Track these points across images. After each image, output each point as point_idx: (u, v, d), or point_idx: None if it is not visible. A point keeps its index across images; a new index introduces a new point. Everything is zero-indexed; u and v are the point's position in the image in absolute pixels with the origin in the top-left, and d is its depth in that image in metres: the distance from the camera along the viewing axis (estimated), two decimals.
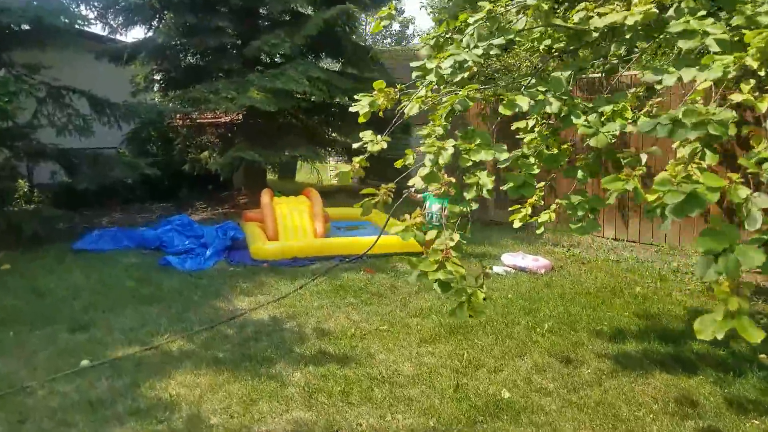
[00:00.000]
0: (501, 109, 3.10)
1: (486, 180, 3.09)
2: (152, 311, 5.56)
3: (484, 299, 3.01)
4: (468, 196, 3.17)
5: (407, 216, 3.24)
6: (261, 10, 11.70)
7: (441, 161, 3.08)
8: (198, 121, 13.53)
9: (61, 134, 8.73)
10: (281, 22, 11.64)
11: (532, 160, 3.30)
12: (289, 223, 8.32)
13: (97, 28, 13.16)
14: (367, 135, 3.48)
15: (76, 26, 8.16)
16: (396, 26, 42.04)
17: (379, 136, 3.43)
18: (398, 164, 3.62)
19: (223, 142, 12.76)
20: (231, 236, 7.92)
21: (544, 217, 4.03)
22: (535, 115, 3.56)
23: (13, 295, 6.04)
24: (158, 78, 12.42)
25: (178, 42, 11.16)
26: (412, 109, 3.42)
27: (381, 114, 3.70)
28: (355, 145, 3.67)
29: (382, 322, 5.10)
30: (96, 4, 8.93)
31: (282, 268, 6.97)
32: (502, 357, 4.33)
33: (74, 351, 4.64)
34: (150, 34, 11.62)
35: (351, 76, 11.89)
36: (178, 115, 12.83)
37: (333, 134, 13.15)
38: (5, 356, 4.56)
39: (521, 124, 3.74)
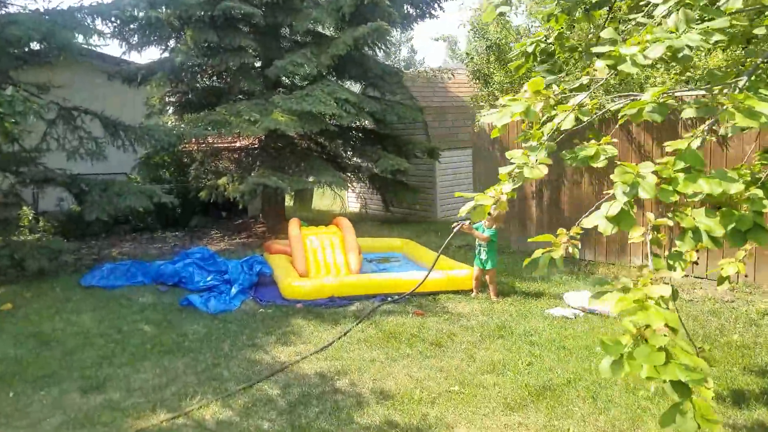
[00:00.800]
0: (740, 121, 2.25)
1: (708, 222, 2.27)
2: (177, 365, 4.76)
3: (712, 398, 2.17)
4: (682, 247, 2.36)
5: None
6: (284, 30, 11.09)
7: (641, 193, 2.28)
8: (214, 145, 12.85)
9: (71, 158, 8.02)
10: (305, 42, 11.01)
11: (760, 193, 2.45)
12: (321, 257, 7.54)
13: (112, 48, 12.55)
14: (516, 155, 2.70)
15: (91, 44, 7.51)
16: (405, 52, 41.82)
17: (533, 158, 2.64)
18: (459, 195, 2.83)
19: (239, 167, 12.04)
20: (258, 271, 7.14)
21: (730, 269, 3.16)
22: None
23: (15, 343, 5.25)
24: (173, 100, 11.77)
25: (197, 62, 10.53)
26: (566, 121, 2.65)
27: (524, 125, 2.92)
28: (503, 170, 2.82)
29: (451, 381, 4.29)
30: (113, 19, 8.27)
31: (318, 308, 6.18)
32: (612, 430, 3.50)
33: (88, 419, 3.84)
34: (166, 54, 10.99)
35: (374, 98, 11.22)
36: (192, 140, 12.16)
37: (354, 159, 12.45)
38: (2, 426, 3.75)
39: (680, 143, 2.78)
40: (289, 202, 14.85)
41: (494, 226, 6.38)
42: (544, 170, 2.58)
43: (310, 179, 10.74)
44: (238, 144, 13.34)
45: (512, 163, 2.72)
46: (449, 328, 5.40)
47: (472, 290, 6.58)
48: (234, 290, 6.74)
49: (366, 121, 11.91)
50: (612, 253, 7.89)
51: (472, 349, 4.89)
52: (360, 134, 12.43)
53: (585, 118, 2.68)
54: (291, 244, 7.65)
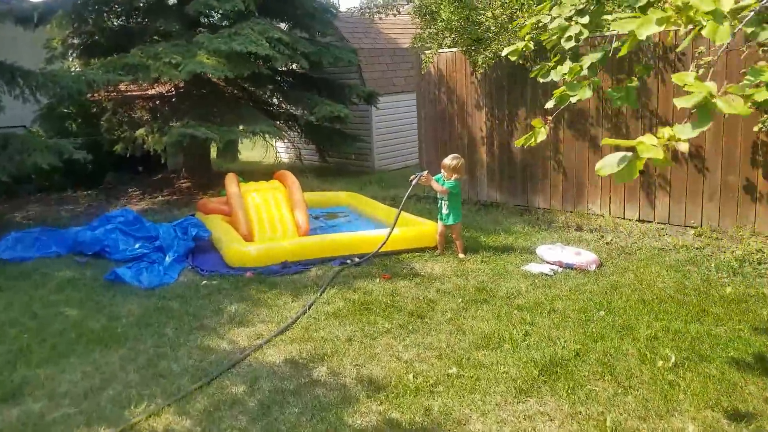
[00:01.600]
0: None
1: None
2: (112, 359, 3.85)
3: None
4: None
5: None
6: None
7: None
8: (126, 93, 11.29)
9: None
10: None
11: None
12: (265, 216, 6.64)
13: None
14: (691, 80, 1.98)
15: None
16: None
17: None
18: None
19: (158, 117, 10.65)
20: (194, 235, 6.18)
21: None
22: None
23: None
24: (77, 42, 10.11)
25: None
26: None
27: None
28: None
29: (445, 361, 3.67)
30: None
31: (271, 277, 5.36)
32: (646, 417, 3.02)
33: None
34: None
35: (306, 39, 10.11)
36: (102, 88, 10.58)
37: (286, 106, 11.35)
38: None
39: None
40: (213, 154, 13.55)
41: (454, 177, 5.74)
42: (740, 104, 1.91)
43: (241, 128, 9.62)
44: (152, 91, 11.85)
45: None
46: (425, 294, 4.77)
47: (436, 247, 5.97)
48: (168, 259, 5.78)
49: (295, 65, 10.79)
50: (568, 200, 7.51)
51: (457, 318, 4.29)
52: (291, 79, 11.31)
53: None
54: (230, 202, 6.69)
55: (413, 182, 5.73)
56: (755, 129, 5.81)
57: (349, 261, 5.70)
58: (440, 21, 7.88)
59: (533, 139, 2.95)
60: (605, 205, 7.19)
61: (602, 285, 4.83)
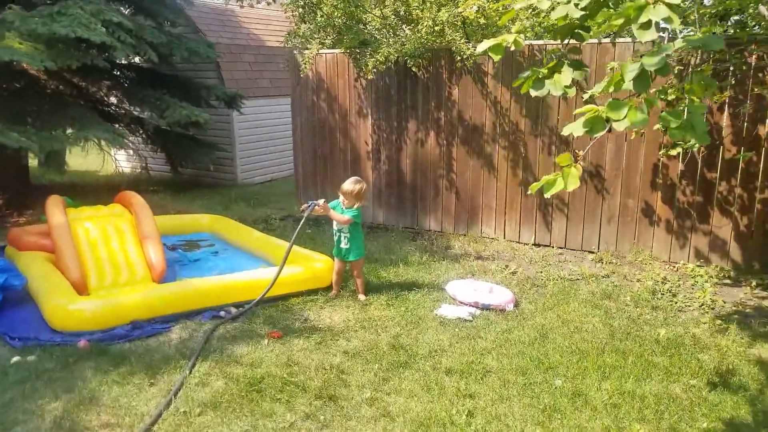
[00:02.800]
0: None
1: None
2: None
3: None
4: None
5: None
6: None
7: None
8: None
9: None
10: None
11: None
12: (104, 254, 5.14)
13: None
14: None
15: None
16: None
17: None
18: None
19: None
20: (1, 285, 4.54)
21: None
22: None
23: None
24: None
25: None
26: None
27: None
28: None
29: None
30: None
31: (118, 345, 3.98)
32: None
33: None
34: None
35: (154, 27, 8.53)
36: None
37: (129, 107, 9.58)
38: None
39: None
40: (34, 161, 11.19)
41: (356, 205, 4.80)
42: None
43: (70, 133, 7.80)
44: None
45: None
46: (330, 360, 3.74)
47: (330, 287, 4.98)
48: None
49: (138, 58, 9.12)
50: (461, 222, 6.93)
51: (379, 396, 3.34)
52: (134, 74, 9.59)
53: None
54: (54, 236, 5.09)
55: (305, 213, 4.68)
56: (660, 153, 5.60)
57: (222, 313, 4.49)
58: (320, 16, 6.87)
59: (562, 183, 2.12)
60: (500, 228, 6.70)
61: (528, 331, 4.17)
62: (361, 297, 4.82)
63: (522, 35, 2.61)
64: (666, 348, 3.88)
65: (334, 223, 4.78)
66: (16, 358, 3.77)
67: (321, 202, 4.70)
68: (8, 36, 6.58)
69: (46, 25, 6.43)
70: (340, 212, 4.79)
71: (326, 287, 4.95)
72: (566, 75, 2.39)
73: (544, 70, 2.45)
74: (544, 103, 6.17)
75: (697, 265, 5.50)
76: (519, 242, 6.54)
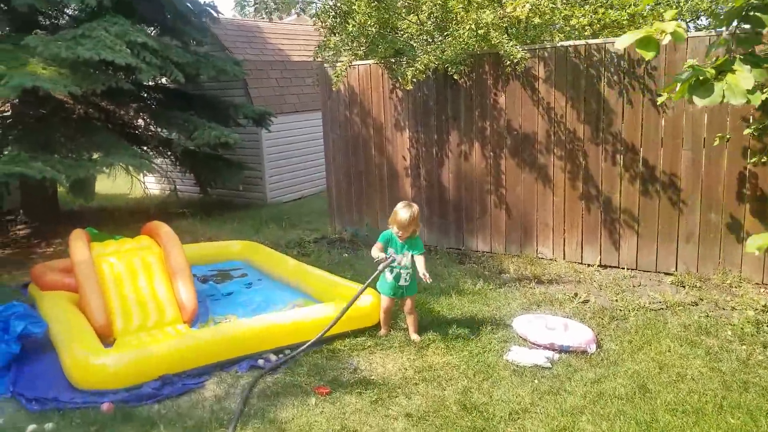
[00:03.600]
0: None
1: None
2: None
3: None
4: None
5: None
6: None
7: None
8: None
9: None
10: None
11: None
12: (131, 294, 4.63)
13: None
14: None
15: None
16: None
17: None
18: None
19: None
20: (19, 333, 4.04)
21: None
22: None
23: None
24: None
25: None
26: None
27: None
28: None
29: None
30: None
31: (145, 407, 3.43)
32: None
33: None
34: None
35: (180, 47, 8.09)
36: None
37: (157, 129, 9.16)
38: None
39: None
40: (62, 188, 10.86)
41: (408, 234, 4.17)
42: None
43: (95, 159, 7.38)
44: None
45: None
46: (391, 426, 3.11)
47: (377, 325, 4.36)
48: None
49: (165, 78, 8.70)
50: (513, 241, 6.26)
51: None
52: (161, 96, 9.18)
53: None
54: (77, 275, 4.59)
55: (381, 266, 4.03)
56: (750, 161, 4.86)
57: (261, 362, 3.91)
58: (352, 25, 6.30)
59: None
60: (558, 248, 6.00)
61: (622, 381, 3.48)
62: (415, 337, 4.19)
63: (681, 23, 1.97)
64: None
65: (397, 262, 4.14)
66: (31, 427, 3.24)
67: (404, 260, 4.03)
68: (31, 62, 6.19)
69: (70, 48, 6.02)
70: (399, 247, 4.14)
71: (373, 326, 4.33)
72: (744, 76, 1.71)
73: (710, 71, 1.79)
74: (606, 107, 5.49)
75: None
76: (582, 263, 5.84)
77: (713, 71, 1.87)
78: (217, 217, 8.73)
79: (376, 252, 4.04)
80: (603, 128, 5.55)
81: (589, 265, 5.78)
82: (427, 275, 3.99)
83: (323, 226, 7.80)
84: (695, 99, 1.90)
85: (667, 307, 4.60)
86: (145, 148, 8.87)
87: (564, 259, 5.95)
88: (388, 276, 4.14)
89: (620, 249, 5.67)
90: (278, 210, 9.35)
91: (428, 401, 3.33)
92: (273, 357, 3.97)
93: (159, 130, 8.95)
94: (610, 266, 5.72)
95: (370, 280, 4.02)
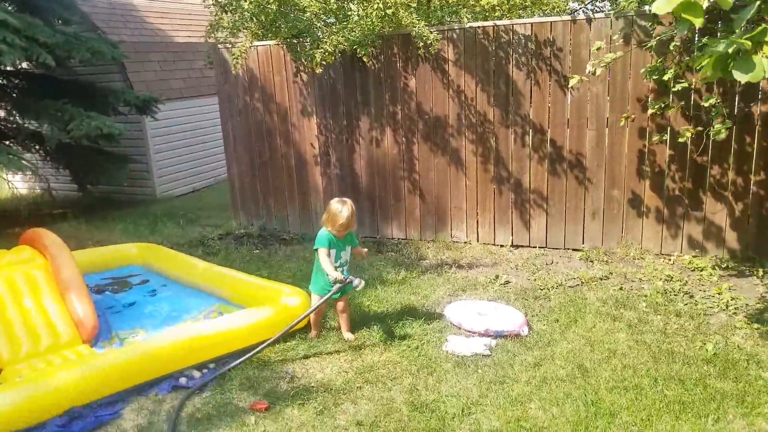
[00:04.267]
0: None
1: None
2: None
3: None
4: None
5: None
6: None
7: None
8: None
9: None
10: None
11: None
12: (15, 317, 3.98)
13: None
14: None
15: None
16: None
17: None
18: None
19: None
20: None
21: None
22: None
23: None
24: None
25: None
26: None
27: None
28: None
29: None
30: None
31: None
32: None
33: None
34: None
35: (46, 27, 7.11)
36: None
37: (23, 120, 8.07)
38: None
39: None
40: None
41: (347, 232, 3.94)
42: None
43: None
44: None
45: None
46: None
47: (308, 329, 4.10)
48: None
49: (26, 63, 7.69)
50: (428, 227, 6.23)
51: None
52: (23, 82, 8.09)
53: None
54: None
55: (336, 287, 3.71)
56: (653, 140, 5.14)
57: (183, 380, 3.52)
58: (249, 2, 5.82)
59: None
60: (472, 231, 6.06)
61: (560, 363, 3.54)
62: (349, 336, 3.99)
63: None
64: (723, 369, 3.36)
65: (333, 257, 3.86)
66: None
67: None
68: None
69: None
70: (341, 246, 3.88)
71: (300, 329, 4.07)
72: None
73: (745, 42, 1.70)
74: (514, 89, 5.56)
75: (693, 256, 5.12)
76: (495, 244, 5.94)
77: (749, 43, 1.81)
78: (102, 217, 7.90)
79: (331, 270, 3.73)
80: (512, 110, 5.63)
81: (501, 245, 5.88)
82: (365, 250, 4.04)
83: (225, 221, 7.31)
84: (736, 74, 1.83)
85: (582, 283, 4.78)
86: (7, 142, 7.78)
87: (478, 241, 6.01)
88: (329, 275, 3.86)
89: (531, 228, 5.82)
90: (171, 205, 8.67)
91: (376, 405, 3.15)
92: (197, 374, 3.59)
93: (25, 121, 7.88)
94: (522, 246, 5.86)
95: (320, 302, 3.76)
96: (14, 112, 7.75)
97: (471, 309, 4.16)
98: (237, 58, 6.02)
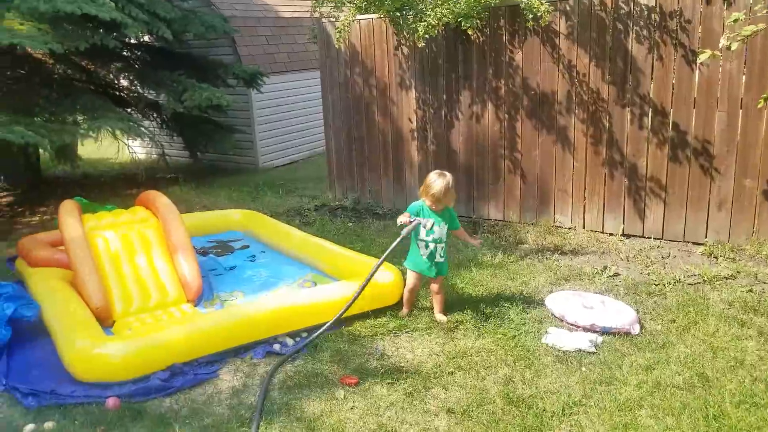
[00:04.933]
0: None
1: None
2: None
3: None
4: None
5: None
6: None
7: None
8: None
9: None
10: None
11: None
12: (128, 271, 4.20)
13: None
14: None
15: None
16: None
17: None
18: None
19: None
20: (9, 316, 3.62)
21: None
22: None
23: None
24: None
25: None
26: None
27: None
28: None
29: None
30: None
31: (155, 401, 3.06)
32: None
33: None
34: None
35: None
36: None
37: (142, 90, 8.54)
38: None
39: None
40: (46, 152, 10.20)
41: (443, 206, 3.77)
42: None
43: (81, 123, 6.82)
44: None
45: None
46: (434, 426, 2.78)
47: (398, 305, 4.00)
48: None
49: (148, 36, 8.08)
50: (529, 209, 5.91)
51: None
52: (145, 54, 8.52)
53: None
54: (70, 253, 4.14)
55: (404, 231, 3.63)
56: None
57: (277, 347, 3.55)
58: None
59: None
60: (577, 216, 5.67)
61: (677, 368, 3.18)
62: (441, 317, 3.85)
63: None
64: None
65: (424, 232, 3.73)
66: (29, 427, 2.85)
67: (428, 224, 3.62)
68: (8, 17, 5.55)
69: (50, 1, 5.38)
70: (434, 217, 3.72)
71: (393, 305, 3.97)
72: None
73: None
74: (632, 65, 5.07)
75: None
76: (603, 232, 5.52)
77: None
78: (209, 183, 8.24)
79: (401, 218, 3.65)
80: (630, 88, 5.15)
81: (611, 234, 5.46)
82: (477, 239, 3.91)
83: (321, 192, 7.38)
84: None
85: (704, 281, 4.31)
86: (129, 110, 8.27)
87: (584, 228, 5.62)
88: (423, 251, 3.74)
89: (645, 217, 5.35)
90: (271, 175, 8.89)
91: (469, 394, 3.00)
92: (290, 341, 3.61)
93: (145, 91, 8.33)
94: (634, 235, 5.41)
95: (390, 249, 3.63)
96: (136, 82, 8.21)
97: (576, 301, 3.87)
98: (340, 32, 5.95)
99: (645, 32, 4.97)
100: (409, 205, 3.80)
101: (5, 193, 8.03)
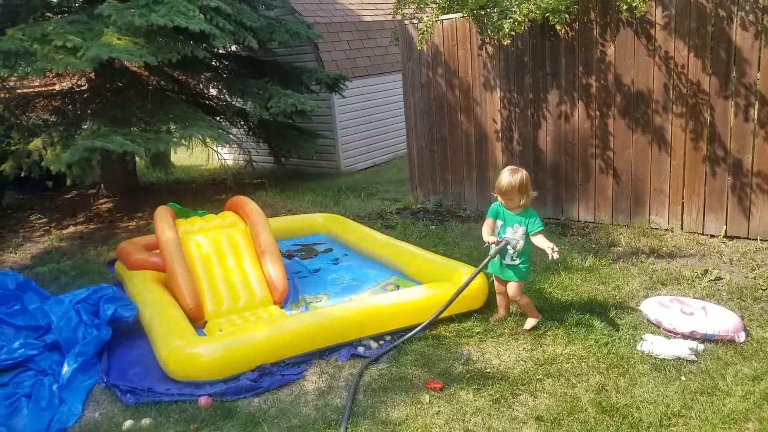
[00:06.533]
0: None
1: None
2: None
3: None
4: None
5: None
6: None
7: None
8: (17, 90, 8.63)
9: None
10: None
11: None
12: (219, 274, 4.44)
13: None
14: None
15: None
16: None
17: None
18: None
19: (63, 121, 8.13)
20: (110, 317, 3.92)
21: None
22: None
23: None
24: None
25: None
26: None
27: None
28: None
29: None
30: None
31: (244, 400, 3.21)
32: None
33: None
34: None
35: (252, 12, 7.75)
36: None
37: (230, 98, 8.98)
38: None
39: None
40: (140, 161, 10.95)
41: (516, 204, 3.66)
42: None
43: (173, 131, 7.27)
44: (58, 86, 9.25)
45: None
46: (514, 430, 2.74)
47: (486, 311, 3.95)
48: (66, 369, 3.53)
49: (235, 46, 8.48)
50: (621, 210, 5.66)
51: None
52: (232, 63, 8.96)
53: None
54: (165, 256, 4.43)
55: (493, 252, 3.54)
56: None
57: (361, 350, 3.61)
58: None
59: None
60: (675, 217, 5.37)
61: None
62: (532, 322, 3.75)
63: None
64: None
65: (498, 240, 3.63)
66: (128, 423, 3.08)
67: (519, 244, 3.55)
68: (106, 32, 6.03)
69: (144, 16, 5.80)
70: (509, 219, 3.65)
71: (478, 309, 3.94)
72: None
73: None
74: (737, 55, 4.75)
75: None
76: (703, 234, 5.20)
77: None
78: (293, 188, 8.53)
79: (486, 234, 3.59)
80: (734, 79, 4.82)
81: (712, 235, 5.13)
82: (555, 249, 3.37)
83: (403, 195, 7.44)
84: None
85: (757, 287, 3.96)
86: (218, 118, 8.72)
87: (682, 229, 5.32)
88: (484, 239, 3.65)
89: (751, 217, 4.98)
90: (353, 179, 9.05)
91: (559, 401, 2.92)
92: (373, 344, 3.67)
93: (232, 99, 8.76)
94: (738, 237, 5.05)
95: (479, 268, 3.60)
96: (224, 91, 8.65)
97: (674, 306, 3.67)
98: (423, 33, 5.98)
99: (751, 17, 4.65)
100: (490, 207, 3.74)
101: (105, 200, 8.69)
